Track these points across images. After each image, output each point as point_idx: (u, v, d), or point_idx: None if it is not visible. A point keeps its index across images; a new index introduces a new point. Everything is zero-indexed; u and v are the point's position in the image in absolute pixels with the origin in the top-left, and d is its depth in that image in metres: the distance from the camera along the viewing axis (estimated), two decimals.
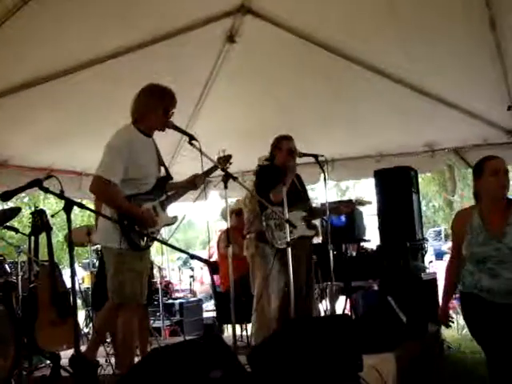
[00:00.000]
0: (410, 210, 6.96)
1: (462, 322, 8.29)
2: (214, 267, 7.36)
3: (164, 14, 5.56)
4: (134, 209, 4.14)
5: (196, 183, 4.65)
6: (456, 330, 8.08)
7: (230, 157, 4.96)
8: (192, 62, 6.45)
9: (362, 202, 6.33)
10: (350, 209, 6.19)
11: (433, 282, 7.05)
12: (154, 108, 4.26)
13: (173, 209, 4.74)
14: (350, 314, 6.66)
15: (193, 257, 4.02)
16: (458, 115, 7.05)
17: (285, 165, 5.68)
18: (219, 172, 4.87)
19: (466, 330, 7.92)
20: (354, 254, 7.54)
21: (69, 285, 5.10)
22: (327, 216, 5.75)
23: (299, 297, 5.37)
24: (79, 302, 9.39)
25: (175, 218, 4.64)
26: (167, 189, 4.53)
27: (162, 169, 4.51)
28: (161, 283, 8.40)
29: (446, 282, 4.13)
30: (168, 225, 4.59)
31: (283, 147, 5.71)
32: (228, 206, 5.07)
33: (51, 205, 19.73)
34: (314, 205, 6.31)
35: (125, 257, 4.11)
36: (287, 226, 5.08)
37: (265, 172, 5.77)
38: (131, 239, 4.10)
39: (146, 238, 4.19)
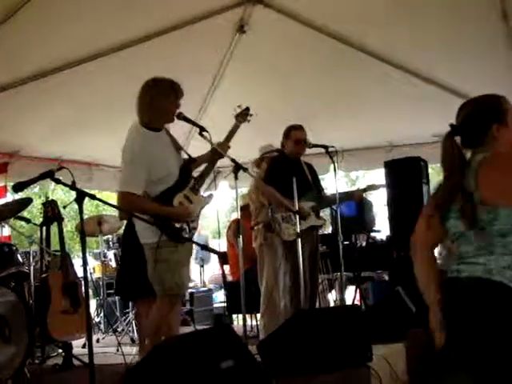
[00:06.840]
0: (420, 200, 6.93)
1: None
2: (223, 257, 7.37)
3: (174, 4, 5.57)
4: (163, 209, 4.10)
5: (221, 152, 4.39)
6: None
7: (247, 110, 4.68)
8: (202, 52, 6.44)
9: (374, 187, 6.34)
10: (361, 195, 6.22)
11: (442, 272, 7.04)
12: (162, 102, 4.14)
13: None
14: (359, 304, 6.67)
15: (204, 247, 4.04)
16: None
17: (294, 155, 5.73)
18: (229, 162, 4.58)
19: None
20: (364, 244, 7.53)
21: (80, 274, 5.15)
22: (337, 206, 5.76)
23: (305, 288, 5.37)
24: (90, 291, 9.45)
25: (210, 196, 4.47)
26: (194, 170, 4.42)
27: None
28: None
29: None
30: (204, 206, 4.43)
31: (292, 137, 5.73)
32: (238, 197, 5.01)
33: (60, 195, 19.79)
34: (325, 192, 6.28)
35: (161, 249, 4.02)
36: (297, 217, 5.09)
37: (276, 164, 5.76)
38: (171, 233, 4.05)
39: (188, 230, 4.15)
